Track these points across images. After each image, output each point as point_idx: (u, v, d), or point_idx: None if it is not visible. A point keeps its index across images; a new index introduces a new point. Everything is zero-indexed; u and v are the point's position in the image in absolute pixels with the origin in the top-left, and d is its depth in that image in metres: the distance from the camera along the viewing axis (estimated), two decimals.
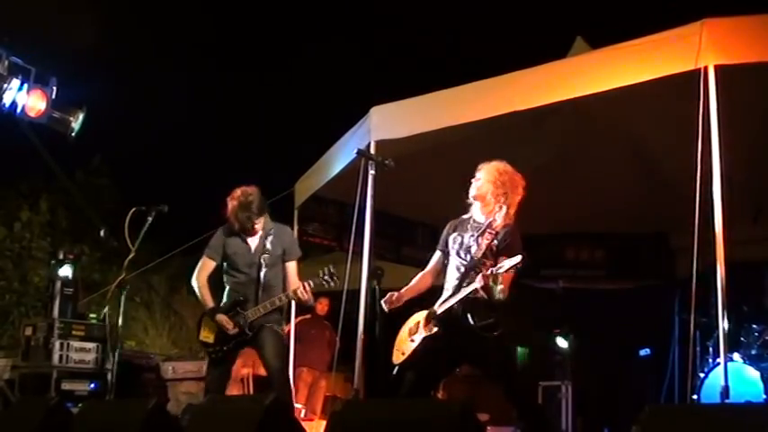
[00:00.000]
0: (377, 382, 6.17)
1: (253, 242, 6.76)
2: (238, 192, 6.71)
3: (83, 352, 8.60)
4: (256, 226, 6.73)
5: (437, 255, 5.80)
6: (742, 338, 7.39)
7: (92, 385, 8.51)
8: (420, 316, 5.56)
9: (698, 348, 7.34)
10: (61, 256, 9.11)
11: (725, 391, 5.33)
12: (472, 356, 5.47)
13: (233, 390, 9.42)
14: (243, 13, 15.92)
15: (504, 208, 5.43)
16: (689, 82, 5.51)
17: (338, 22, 16.20)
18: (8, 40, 7.59)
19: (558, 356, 9.47)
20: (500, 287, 5.20)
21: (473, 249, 5.42)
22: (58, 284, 8.96)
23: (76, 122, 8.36)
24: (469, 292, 5.23)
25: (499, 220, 5.39)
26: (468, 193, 5.63)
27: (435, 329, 5.38)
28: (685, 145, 5.47)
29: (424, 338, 5.43)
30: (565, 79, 6.40)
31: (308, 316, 10.36)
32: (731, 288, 5.26)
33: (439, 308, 5.44)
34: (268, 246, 6.70)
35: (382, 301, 5.65)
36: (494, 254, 5.28)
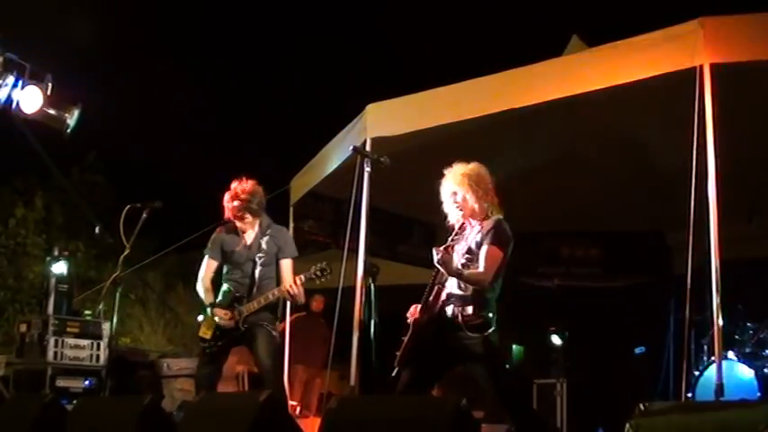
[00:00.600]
0: (372, 379, 6.17)
1: (249, 240, 6.76)
2: (239, 189, 6.70)
3: (77, 349, 8.59)
4: (250, 223, 6.72)
5: None
6: (736, 336, 7.41)
7: (86, 382, 8.51)
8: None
9: (693, 346, 7.36)
10: (56, 253, 9.12)
11: (719, 389, 5.34)
12: (462, 357, 5.43)
13: (228, 387, 9.43)
14: (238, 9, 15.91)
15: (486, 204, 5.41)
16: (685, 80, 5.51)
17: (334, 19, 16.19)
18: (2, 36, 7.57)
19: (553, 354, 9.47)
20: (477, 270, 5.18)
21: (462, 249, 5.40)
22: (53, 281, 8.96)
23: (72, 119, 8.34)
24: (437, 272, 5.24)
25: (488, 218, 5.37)
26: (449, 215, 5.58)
27: (425, 324, 5.37)
28: (681, 143, 5.47)
29: (411, 332, 5.43)
30: (561, 77, 6.40)
31: (303, 313, 10.36)
32: (726, 286, 5.27)
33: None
34: (263, 245, 6.71)
35: (409, 314, 5.60)
36: (477, 246, 5.27)
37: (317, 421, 4.33)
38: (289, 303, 8.74)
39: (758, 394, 6.71)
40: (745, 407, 3.49)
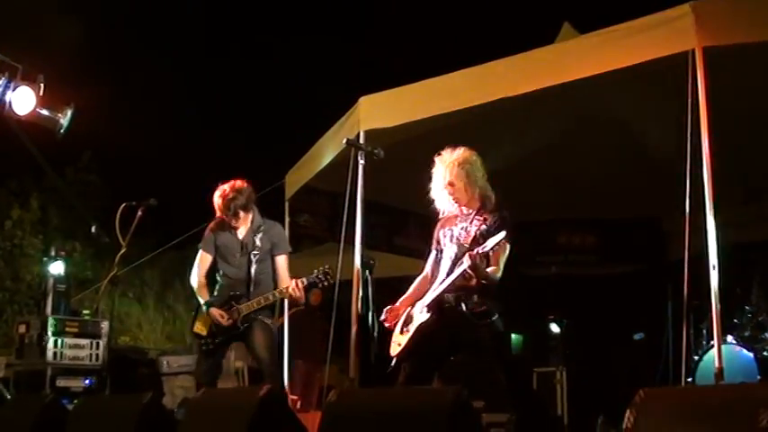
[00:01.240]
0: (371, 372, 6.17)
1: (242, 236, 6.75)
2: (226, 187, 6.70)
3: (77, 348, 8.59)
4: (241, 220, 6.71)
5: (432, 256, 5.74)
6: (735, 320, 7.42)
7: (87, 381, 8.51)
8: (414, 308, 5.55)
9: (691, 331, 7.36)
10: (53, 253, 9.10)
11: (719, 373, 5.34)
12: (467, 345, 5.45)
13: (228, 383, 9.42)
14: (231, 5, 15.88)
15: (487, 192, 5.40)
16: (678, 64, 5.50)
17: (326, 13, 16.16)
18: None
19: (553, 342, 9.48)
20: (492, 268, 5.20)
21: (462, 237, 5.40)
22: (51, 281, 8.96)
23: (65, 119, 8.32)
24: (459, 274, 5.21)
25: (488, 206, 5.37)
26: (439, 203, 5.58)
27: (428, 315, 5.37)
28: (676, 127, 5.47)
29: (419, 326, 5.42)
30: (553, 65, 6.38)
31: (302, 308, 10.35)
32: (724, 270, 5.26)
33: (431, 294, 5.42)
34: (257, 242, 6.70)
35: (383, 321, 5.61)
36: (484, 238, 5.25)
37: (318, 415, 4.32)
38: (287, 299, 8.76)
39: (758, 377, 6.72)
40: (744, 390, 3.48)
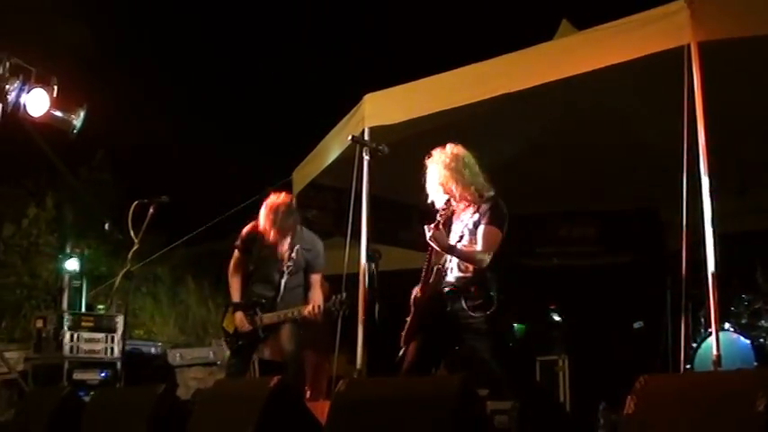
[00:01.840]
0: (378, 361, 6.17)
1: (281, 248, 6.70)
2: (281, 204, 6.64)
3: (92, 342, 8.61)
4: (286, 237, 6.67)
5: None
6: (732, 308, 7.40)
7: (102, 374, 8.53)
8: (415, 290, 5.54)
9: (690, 319, 7.35)
10: (68, 251, 9.13)
11: (717, 360, 5.33)
12: (466, 335, 5.40)
13: None
14: (238, 5, 15.86)
15: (475, 186, 5.37)
16: (674, 58, 5.49)
17: (330, 12, 16.14)
18: (8, 41, 7.57)
19: (554, 331, 9.48)
20: (477, 247, 5.16)
21: (458, 231, 5.38)
22: (66, 278, 8.99)
23: (78, 120, 8.34)
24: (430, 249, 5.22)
25: (482, 198, 5.34)
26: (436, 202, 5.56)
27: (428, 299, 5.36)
28: (673, 120, 5.46)
29: (414, 312, 5.43)
30: (553, 61, 6.37)
31: None
32: (721, 259, 5.25)
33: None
34: (293, 254, 6.65)
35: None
36: (476, 227, 5.24)
37: (327, 404, 4.33)
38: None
39: (755, 363, 6.71)
40: (742, 376, 3.47)
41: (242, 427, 4.23)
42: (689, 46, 5.45)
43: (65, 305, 8.80)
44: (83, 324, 8.65)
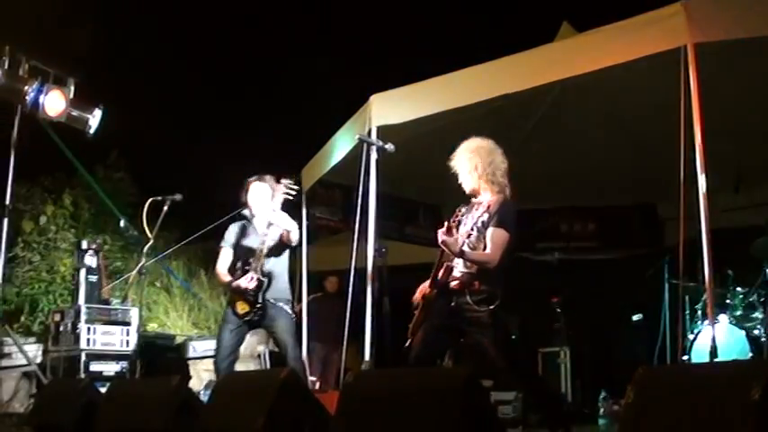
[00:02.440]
0: (386, 354, 6.19)
1: (260, 229, 6.72)
2: (254, 180, 6.70)
3: (108, 335, 8.63)
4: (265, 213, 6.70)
5: None
6: (728, 301, 7.41)
7: (118, 366, 8.55)
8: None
9: (687, 312, 7.36)
10: (85, 246, 9.14)
11: (713, 351, 5.35)
12: (470, 329, 5.39)
13: (250, 366, 9.47)
14: (249, 3, 15.83)
15: (494, 182, 5.35)
16: (671, 59, 5.51)
17: (337, 13, 16.13)
18: (26, 43, 7.61)
19: (556, 324, 9.48)
20: (486, 251, 5.16)
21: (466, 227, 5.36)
22: (83, 273, 8.99)
23: (94, 120, 8.39)
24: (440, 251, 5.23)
25: (492, 196, 5.31)
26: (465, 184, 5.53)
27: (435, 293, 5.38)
28: (670, 119, 5.47)
29: (422, 306, 5.44)
30: (554, 62, 6.40)
31: (320, 294, 10.40)
32: (716, 254, 5.26)
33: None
34: (271, 234, 6.65)
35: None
36: (484, 226, 5.22)
37: (336, 395, 4.34)
38: (305, 285, 8.80)
39: (750, 354, 6.72)
40: (737, 366, 3.49)
41: (253, 418, 4.25)
42: (685, 47, 5.47)
43: (81, 299, 8.80)
44: (99, 318, 8.67)
